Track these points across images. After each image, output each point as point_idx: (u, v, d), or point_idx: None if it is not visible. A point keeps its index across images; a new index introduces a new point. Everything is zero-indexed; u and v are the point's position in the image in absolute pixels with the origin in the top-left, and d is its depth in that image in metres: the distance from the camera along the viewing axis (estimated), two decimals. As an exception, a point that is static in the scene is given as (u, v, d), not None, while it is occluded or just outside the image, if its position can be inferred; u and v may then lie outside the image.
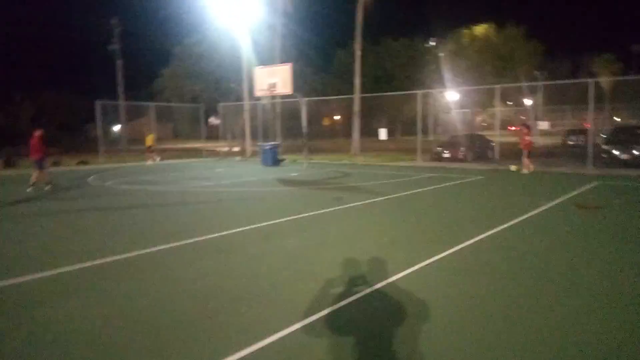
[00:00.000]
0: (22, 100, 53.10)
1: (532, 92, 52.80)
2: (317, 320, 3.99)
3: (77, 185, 14.90)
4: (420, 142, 21.74)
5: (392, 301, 4.43)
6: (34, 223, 8.71)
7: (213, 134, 36.86)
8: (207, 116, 30.36)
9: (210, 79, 34.78)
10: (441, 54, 51.40)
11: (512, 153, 19.31)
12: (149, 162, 24.35)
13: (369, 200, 10.69)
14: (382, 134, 23.50)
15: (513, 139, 17.96)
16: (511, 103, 56.41)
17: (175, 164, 24.12)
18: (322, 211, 9.36)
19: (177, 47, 36.40)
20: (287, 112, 36.27)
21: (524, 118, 53.37)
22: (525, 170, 16.47)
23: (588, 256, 5.95)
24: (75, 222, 8.80)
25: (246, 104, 27.64)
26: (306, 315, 4.06)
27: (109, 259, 5.97)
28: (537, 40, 53.04)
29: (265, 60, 29.46)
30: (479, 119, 61.37)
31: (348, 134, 35.02)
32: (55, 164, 19.57)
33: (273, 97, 23.26)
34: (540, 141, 36.48)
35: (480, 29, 54.26)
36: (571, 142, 32.20)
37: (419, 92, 23.14)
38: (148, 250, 6.40)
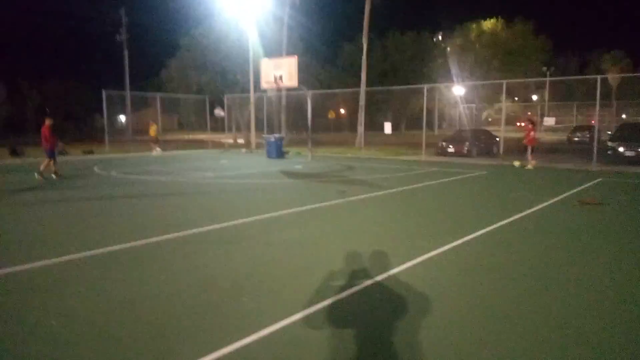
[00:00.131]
0: (28, 89, 53.35)
1: (539, 88, 52.54)
2: (318, 311, 4.04)
3: (83, 174, 15.00)
4: (425, 137, 21.70)
5: (393, 294, 4.48)
6: (36, 211, 8.80)
7: (218, 126, 36.90)
8: (213, 108, 30.32)
9: (216, 70, 34.76)
10: (448, 48, 51.14)
11: (517, 149, 19.28)
12: (154, 153, 24.48)
13: (372, 194, 10.73)
14: (387, 127, 23.49)
15: (518, 135, 17.89)
16: (517, 99, 56.17)
17: (180, 155, 24.20)
18: (325, 204, 9.40)
19: (184, 38, 36.35)
20: (292, 105, 36.30)
21: (530, 114, 53.17)
22: (529, 166, 16.46)
23: (590, 252, 5.98)
24: (78, 211, 8.88)
25: (252, 96, 27.63)
26: (307, 306, 4.11)
27: (110, 248, 6.04)
28: (545, 36, 52.66)
29: (272, 52, 29.44)
30: (484, 114, 61.13)
31: (353, 128, 35.06)
32: (61, 153, 19.71)
33: (279, 89, 23.25)
34: (545, 137, 36.36)
35: (488, 24, 53.88)
36: (576, 139, 32.11)
37: (425, 86, 23.08)
38: (150, 240, 6.47)
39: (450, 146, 22.52)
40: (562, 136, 35.70)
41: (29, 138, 39.26)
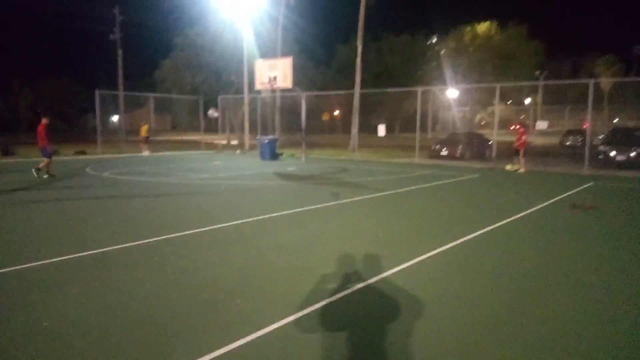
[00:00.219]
0: (21, 88, 52.99)
1: (532, 92, 52.87)
2: (312, 313, 4.04)
3: (75, 175, 14.92)
4: (418, 140, 21.78)
5: (387, 296, 4.49)
6: (29, 212, 8.74)
7: (212, 127, 36.83)
8: (207, 108, 30.25)
9: (210, 70, 34.72)
10: (442, 51, 51.36)
11: (510, 152, 19.37)
12: (145, 153, 24.39)
13: (366, 196, 10.75)
14: (381, 130, 23.53)
15: (511, 138, 18.05)
16: (510, 102, 56.47)
17: (173, 156, 24.13)
18: (318, 206, 9.41)
19: (178, 37, 36.28)
20: (286, 106, 36.29)
21: (523, 117, 53.51)
22: (521, 170, 16.57)
23: (582, 255, 6.02)
24: (71, 211, 8.83)
25: (246, 96, 27.61)
26: (301, 308, 4.11)
27: (103, 250, 6.02)
28: (538, 40, 53.01)
29: (267, 53, 29.45)
30: (478, 117, 61.46)
31: (347, 129, 35.09)
32: (54, 152, 19.63)
33: (273, 90, 23.25)
34: (538, 141, 36.57)
35: (482, 27, 54.17)
36: (569, 143, 32.34)
37: (419, 88, 23.16)
38: (144, 241, 6.45)
39: (444, 149, 22.62)
40: (554, 140, 35.91)
41: (20, 137, 39.02)
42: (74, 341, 3.54)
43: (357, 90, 30.06)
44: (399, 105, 56.03)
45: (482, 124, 61.88)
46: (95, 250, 5.96)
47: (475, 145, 22.80)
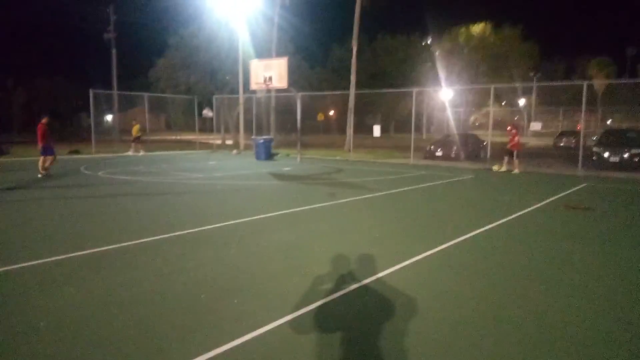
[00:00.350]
0: (14, 86, 52.67)
1: (526, 93, 53.13)
2: (307, 313, 4.05)
3: (70, 174, 14.84)
4: (413, 140, 21.83)
5: (381, 297, 4.50)
6: (24, 211, 8.70)
7: (206, 126, 36.73)
8: (201, 108, 30.19)
9: (205, 70, 34.62)
10: (437, 52, 51.52)
11: (502, 153, 19.46)
12: (140, 153, 24.30)
13: (361, 197, 10.77)
14: (376, 130, 23.55)
15: (505, 139, 18.15)
16: (504, 103, 56.73)
17: (168, 156, 24.07)
18: (314, 206, 9.42)
19: (173, 37, 36.15)
20: (281, 106, 36.26)
21: (517, 118, 53.73)
22: (516, 171, 16.65)
23: (576, 256, 6.06)
24: (66, 211, 8.79)
25: (241, 96, 27.57)
26: (297, 308, 4.12)
27: (101, 249, 6.00)
28: (532, 41, 53.26)
29: (262, 53, 29.41)
30: (472, 118, 61.63)
31: (342, 130, 35.17)
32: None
33: (268, 90, 23.23)
34: (532, 142, 36.75)
35: (476, 28, 54.35)
36: (562, 144, 32.53)
37: (414, 89, 23.21)
38: (140, 241, 6.43)
39: (438, 150, 22.70)
40: (548, 141, 36.11)
41: (14, 136, 38.78)
42: (70, 340, 3.53)
43: (353, 90, 30.09)
44: (394, 105, 56.19)
45: (477, 124, 62.09)
46: (91, 249, 5.94)
47: (469, 146, 22.89)
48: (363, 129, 38.91)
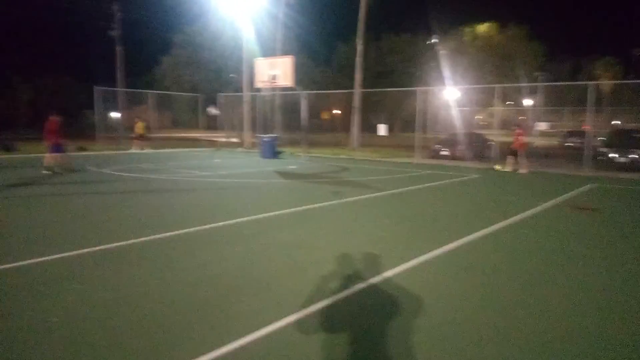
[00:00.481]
0: (20, 84, 52.82)
1: (532, 93, 52.94)
2: (314, 312, 4.04)
3: (76, 171, 14.88)
4: (418, 139, 21.77)
5: (387, 296, 4.49)
6: (32, 208, 8.73)
7: (211, 124, 36.78)
8: (206, 106, 30.27)
9: (210, 68, 34.72)
10: (442, 51, 51.37)
11: (508, 153, 19.40)
12: (134, 150, 24.28)
13: (367, 195, 10.75)
14: (382, 129, 23.56)
15: (511, 139, 18.13)
16: (510, 103, 56.54)
17: (173, 153, 24.11)
18: (319, 205, 9.40)
19: (178, 35, 36.25)
20: (286, 105, 36.25)
21: (524, 118, 53.55)
22: (522, 170, 16.58)
23: (583, 256, 6.02)
24: (73, 207, 8.82)
25: (246, 95, 27.58)
26: (303, 307, 4.11)
27: (108, 246, 6.01)
28: (538, 41, 53.06)
29: (267, 51, 29.44)
30: (478, 117, 61.45)
31: (347, 129, 35.05)
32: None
33: (273, 89, 23.24)
34: (538, 142, 36.60)
35: (482, 28, 54.21)
36: (568, 144, 32.37)
37: (419, 88, 23.16)
38: (145, 239, 6.44)
39: (444, 149, 22.62)
40: (554, 141, 35.96)
41: (20, 133, 38.94)
42: (78, 337, 3.53)
43: (358, 89, 30.05)
44: (399, 104, 56.05)
45: (482, 124, 61.94)
46: (98, 246, 5.95)
47: (475, 146, 22.79)
48: (368, 127, 38.85)
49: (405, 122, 57.92)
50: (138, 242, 6.25)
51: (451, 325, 3.86)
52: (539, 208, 9.44)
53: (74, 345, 3.42)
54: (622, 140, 19.12)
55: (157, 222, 7.52)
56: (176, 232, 6.82)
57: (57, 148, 13.87)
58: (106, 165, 16.61)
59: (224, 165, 17.66)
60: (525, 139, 17.38)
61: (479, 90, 42.44)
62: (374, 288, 4.67)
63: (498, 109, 25.47)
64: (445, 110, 51.71)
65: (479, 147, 22.86)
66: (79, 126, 50.15)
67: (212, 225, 7.37)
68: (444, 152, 22.44)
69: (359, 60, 30.46)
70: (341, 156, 23.65)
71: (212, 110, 29.23)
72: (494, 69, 50.30)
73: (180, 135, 40.41)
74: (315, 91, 32.91)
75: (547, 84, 44.97)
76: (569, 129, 39.35)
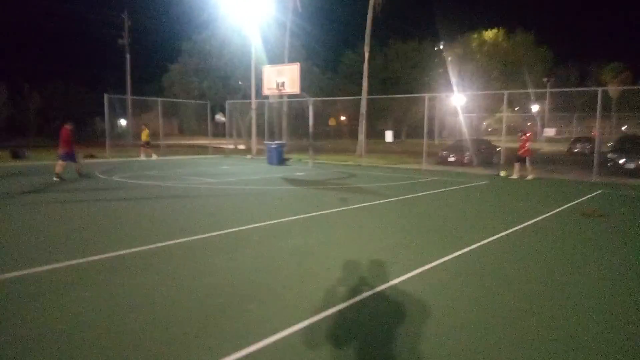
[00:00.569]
0: (29, 92, 53.37)
1: (539, 99, 52.76)
2: (323, 320, 4.06)
3: (85, 179, 15.00)
4: (426, 145, 21.78)
5: (397, 303, 4.50)
6: (42, 214, 8.81)
7: (219, 131, 36.97)
8: (214, 113, 30.44)
9: (218, 76, 34.89)
10: (449, 58, 51.41)
11: (514, 160, 19.34)
12: (143, 157, 24.36)
13: (374, 202, 10.76)
14: (388, 136, 23.54)
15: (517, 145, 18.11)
16: (517, 109, 56.39)
17: (181, 160, 24.23)
18: (327, 211, 9.43)
19: (186, 43, 36.50)
20: (293, 112, 36.41)
21: (530, 124, 53.35)
22: (530, 177, 16.52)
23: (592, 263, 6.00)
24: (83, 215, 8.89)
25: (253, 102, 27.72)
26: (312, 315, 4.13)
27: (116, 253, 6.06)
28: (546, 46, 52.94)
29: (274, 58, 29.60)
30: (485, 123, 61.32)
31: (354, 135, 35.13)
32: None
33: (280, 96, 23.35)
34: (546, 148, 36.46)
35: (489, 34, 54.19)
36: (576, 150, 32.22)
37: (426, 95, 23.18)
38: (156, 245, 6.48)
39: (451, 155, 22.59)
40: (562, 147, 35.79)
41: (30, 141, 39.31)
42: (87, 345, 3.57)
43: (364, 96, 30.12)
44: (405, 111, 56.10)
45: (489, 130, 61.77)
46: (107, 254, 6.00)
47: (482, 152, 22.77)
48: (375, 134, 38.93)
49: (412, 128, 57.96)
50: (146, 250, 6.29)
51: (463, 332, 3.86)
52: (547, 214, 9.40)
53: (81, 353, 3.45)
54: (631, 146, 19.01)
55: (166, 230, 7.57)
56: (185, 239, 6.87)
57: (70, 156, 14.05)
58: (115, 173, 16.74)
59: (232, 172, 17.74)
60: (530, 145, 17.29)
61: (486, 96, 42.37)
62: (384, 295, 4.68)
63: (505, 115, 25.36)
64: (453, 116, 51.67)
65: (486, 154, 22.83)
66: (88, 133, 50.56)
67: (221, 232, 7.41)
68: (451, 159, 22.41)
69: (365, 66, 30.57)
70: (348, 163, 23.67)
71: (221, 118, 29.36)
72: (501, 75, 50.22)
73: (188, 142, 40.67)
74: (322, 98, 33.00)
75: (555, 89, 44.78)
76: (577, 136, 39.18)
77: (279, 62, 27.83)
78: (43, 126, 58.11)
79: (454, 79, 46.40)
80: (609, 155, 18.65)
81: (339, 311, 4.23)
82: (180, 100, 35.39)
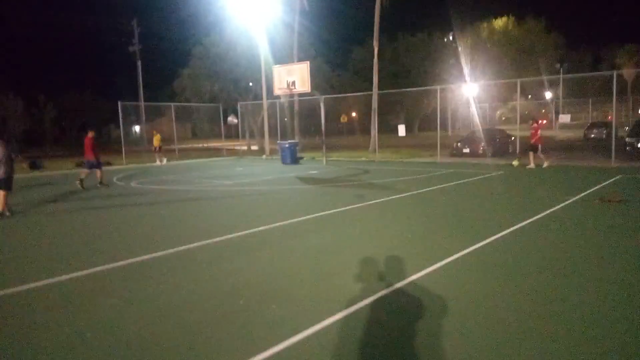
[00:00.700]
0: (45, 102, 54.24)
1: (552, 85, 52.10)
2: (344, 317, 4.07)
3: (104, 187, 15.20)
4: (439, 138, 21.65)
5: (418, 299, 4.50)
6: (62, 222, 8.96)
7: (232, 133, 37.15)
8: (226, 115, 30.63)
9: (228, 78, 35.07)
10: (459, 48, 50.96)
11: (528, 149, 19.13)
12: (157, 163, 24.55)
13: (390, 197, 10.74)
14: (401, 130, 23.41)
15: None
16: (531, 96, 55.74)
17: (196, 164, 24.42)
18: (344, 208, 9.44)
19: (196, 47, 36.74)
20: (304, 110, 36.42)
21: (544, 111, 52.69)
22: (545, 164, 16.32)
23: (614, 251, 5.93)
24: (104, 221, 9.02)
25: (264, 102, 27.82)
26: (333, 313, 4.14)
27: (138, 258, 6.15)
28: (557, 32, 52.20)
29: (283, 58, 29.63)
30: (498, 113, 60.73)
31: (365, 131, 35.13)
32: (79, 165, 20.21)
33: (291, 95, 23.41)
34: (561, 135, 35.99)
35: (499, 23, 53.61)
36: (593, 135, 31.76)
37: (438, 87, 23.03)
38: (177, 249, 6.56)
39: (466, 147, 22.42)
40: (578, 133, 35.30)
41: (47, 151, 39.92)
42: (115, 351, 3.63)
43: (375, 91, 30.02)
44: (417, 104, 55.81)
45: (503, 119, 61.15)
46: (129, 259, 6.09)
47: (497, 142, 22.54)
48: (387, 128, 38.75)
49: (424, 121, 57.61)
50: (169, 253, 6.37)
51: (484, 327, 3.85)
52: (566, 203, 9.30)
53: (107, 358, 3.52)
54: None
55: (187, 233, 7.65)
56: (206, 242, 6.93)
57: (96, 164, 14.28)
58: (133, 179, 16.93)
59: (247, 173, 17.84)
60: (539, 133, 17.01)
61: (498, 85, 41.95)
62: (404, 291, 4.69)
63: (519, 103, 25.08)
64: (466, 107, 51.23)
65: (501, 144, 22.61)
66: (103, 140, 51.18)
67: (240, 233, 7.47)
68: (466, 150, 22.24)
69: (375, 61, 30.45)
70: (362, 159, 23.64)
71: (234, 120, 29.51)
72: (513, 63, 49.66)
73: (201, 145, 40.94)
74: (333, 95, 32.96)
75: (569, 75, 44.17)
76: (592, 120, 38.61)
77: (288, 61, 27.84)
78: (59, 136, 59.01)
79: (465, 70, 46.00)
80: (627, 140, 18.36)
81: (359, 309, 4.24)
82: (193, 104, 35.66)
